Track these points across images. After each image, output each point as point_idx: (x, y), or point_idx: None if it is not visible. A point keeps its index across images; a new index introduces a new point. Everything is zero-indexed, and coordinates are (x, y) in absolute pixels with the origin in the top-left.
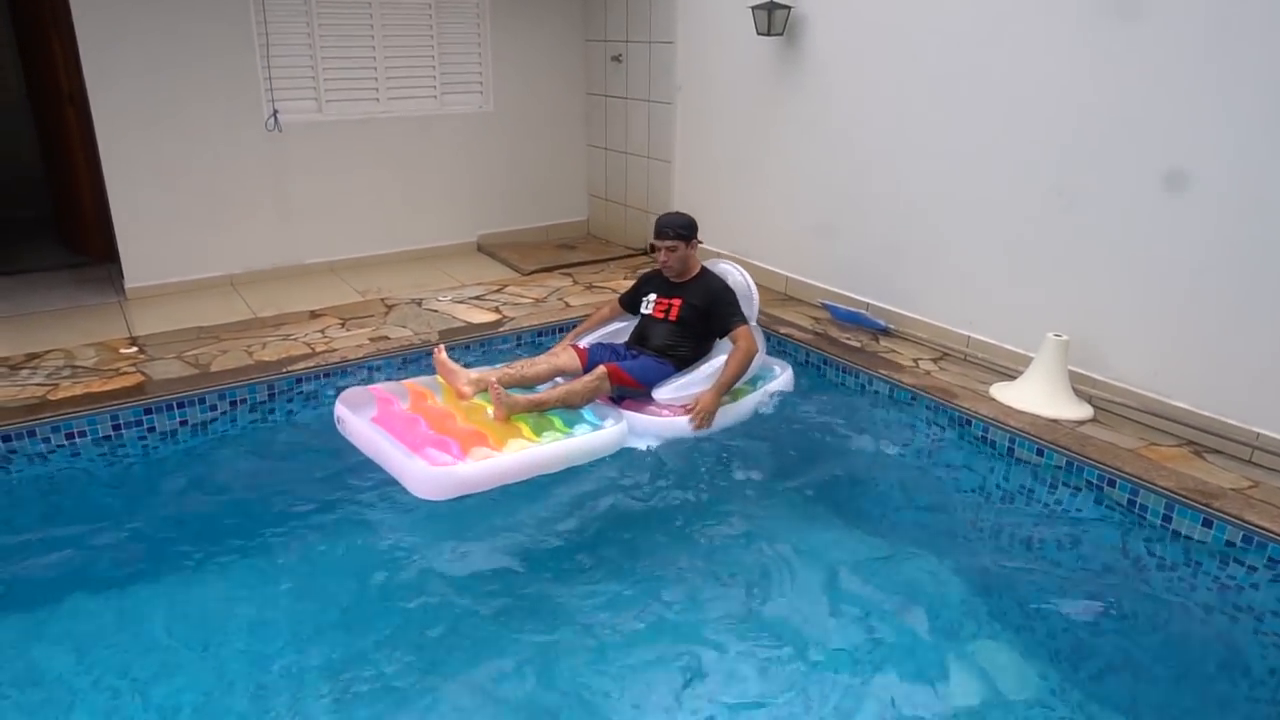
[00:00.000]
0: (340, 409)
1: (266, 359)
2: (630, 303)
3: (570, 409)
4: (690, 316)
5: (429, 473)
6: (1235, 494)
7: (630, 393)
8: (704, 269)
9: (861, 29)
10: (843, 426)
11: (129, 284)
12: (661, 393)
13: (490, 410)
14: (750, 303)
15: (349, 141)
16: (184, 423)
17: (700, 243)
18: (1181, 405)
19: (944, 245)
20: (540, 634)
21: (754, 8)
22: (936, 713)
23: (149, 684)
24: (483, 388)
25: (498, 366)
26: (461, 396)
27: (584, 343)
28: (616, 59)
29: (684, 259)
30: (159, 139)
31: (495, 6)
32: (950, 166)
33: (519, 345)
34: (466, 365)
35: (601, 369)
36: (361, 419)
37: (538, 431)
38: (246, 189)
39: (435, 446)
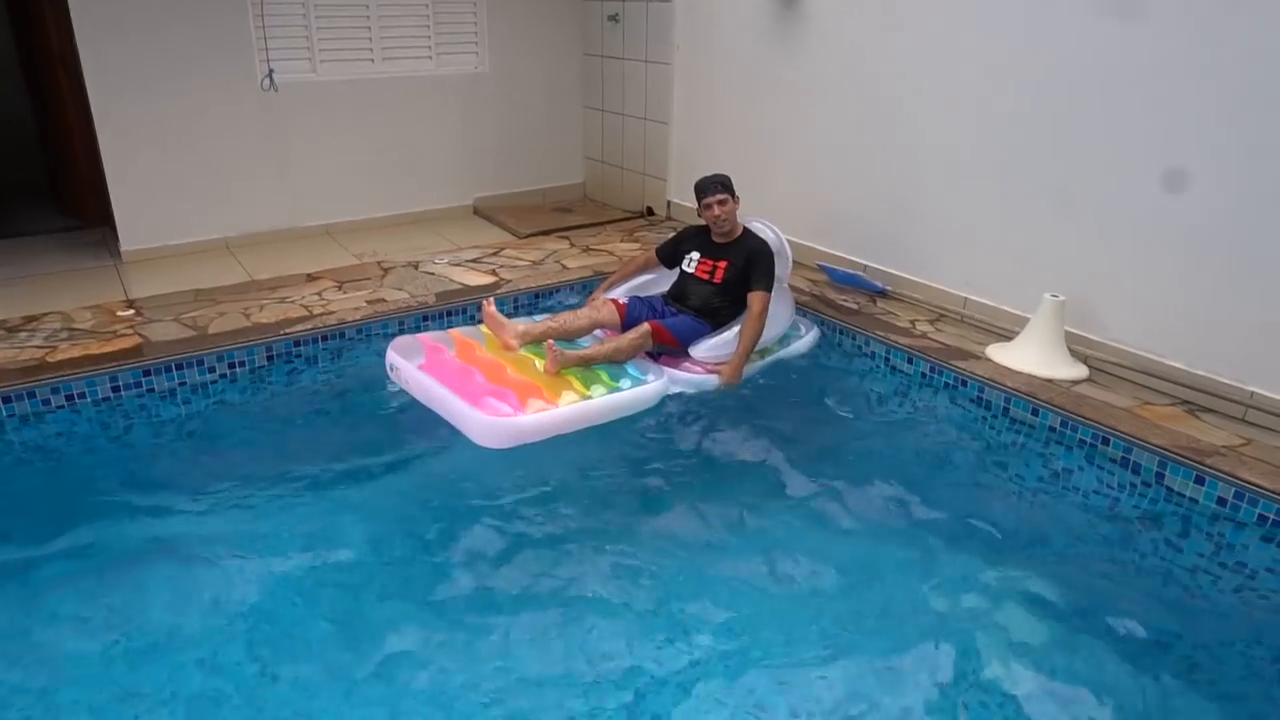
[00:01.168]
0: (393, 356)
1: (264, 321)
2: (669, 256)
3: (615, 364)
4: (734, 278)
5: (491, 422)
6: (1229, 451)
7: (668, 350)
8: (746, 230)
9: None
10: (853, 386)
11: (124, 247)
12: (697, 350)
13: (539, 363)
14: (785, 260)
15: (344, 103)
16: (183, 384)
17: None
18: (1176, 365)
19: (942, 207)
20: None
21: None
22: (923, 656)
23: (151, 645)
24: (529, 340)
25: (539, 319)
26: (508, 348)
27: (621, 296)
28: (613, 19)
29: (733, 213)
30: (153, 100)
31: None
32: (949, 128)
33: (517, 308)
34: (477, 323)
35: (646, 327)
36: (413, 366)
37: (586, 385)
38: (242, 151)
39: (494, 397)
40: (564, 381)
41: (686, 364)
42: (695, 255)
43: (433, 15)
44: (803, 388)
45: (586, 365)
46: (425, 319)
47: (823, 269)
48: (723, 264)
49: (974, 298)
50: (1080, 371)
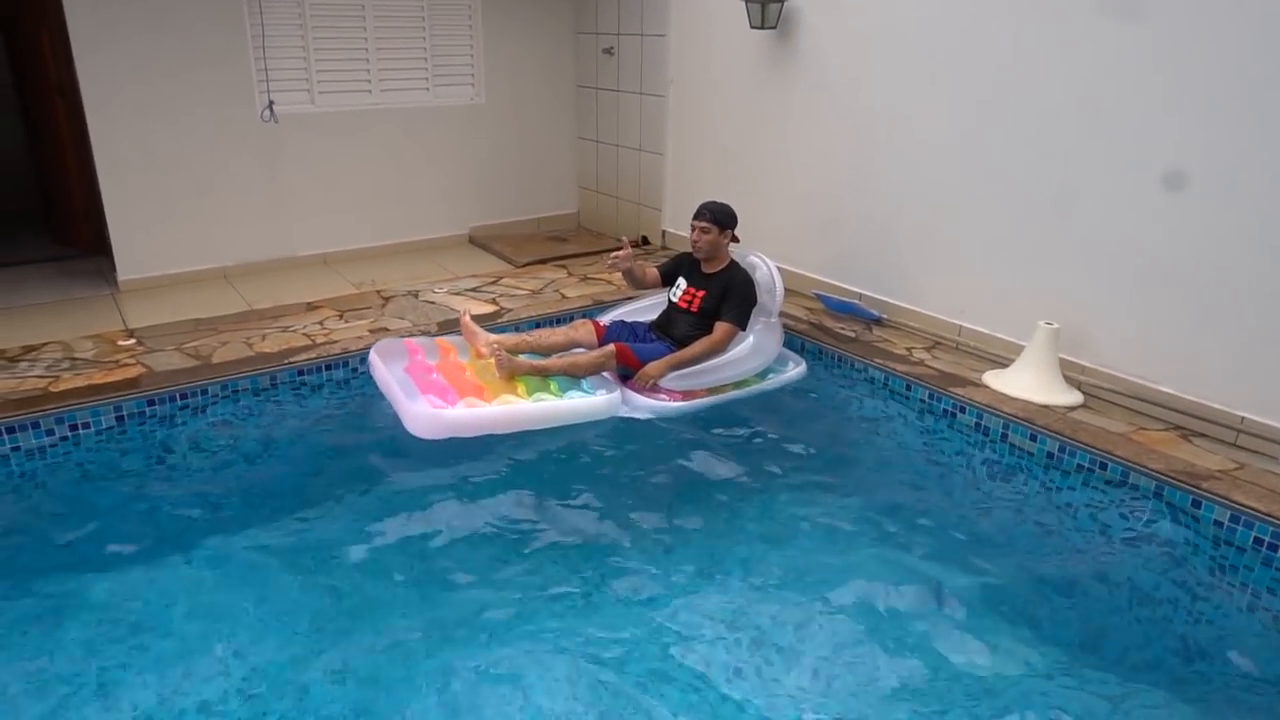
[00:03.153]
0: (372, 356)
1: (267, 350)
2: (666, 275)
3: (572, 378)
4: (709, 308)
5: (421, 412)
6: (1223, 475)
7: (635, 373)
8: (733, 262)
9: (856, 22)
10: (851, 412)
11: (121, 276)
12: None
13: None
14: (773, 296)
15: (341, 134)
16: (186, 410)
17: (737, 239)
18: (1168, 390)
19: (937, 235)
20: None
21: (747, 1)
22: (926, 679)
23: (151, 666)
24: (500, 349)
25: (521, 332)
26: (479, 356)
27: (605, 319)
28: (608, 52)
29: (714, 244)
30: (151, 130)
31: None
32: (943, 157)
33: None
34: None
35: (610, 348)
36: (390, 367)
37: (531, 391)
38: (240, 181)
39: (436, 393)
40: (511, 387)
41: (649, 389)
42: (683, 283)
43: (429, 48)
44: (795, 414)
45: (542, 375)
46: None
47: (819, 298)
48: (700, 293)
49: (969, 325)
50: (1075, 398)
